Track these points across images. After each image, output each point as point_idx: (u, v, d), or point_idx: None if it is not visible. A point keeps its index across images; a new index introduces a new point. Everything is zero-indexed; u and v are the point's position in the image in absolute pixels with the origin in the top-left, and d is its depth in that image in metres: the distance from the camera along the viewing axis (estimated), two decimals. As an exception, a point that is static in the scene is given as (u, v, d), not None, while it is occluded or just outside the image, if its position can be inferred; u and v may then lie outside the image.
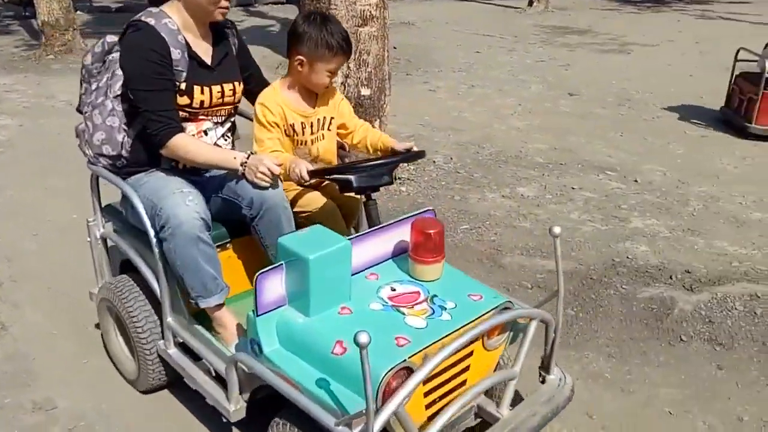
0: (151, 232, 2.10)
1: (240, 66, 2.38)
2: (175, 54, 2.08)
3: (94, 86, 2.25)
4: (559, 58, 9.42)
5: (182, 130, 2.11)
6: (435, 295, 1.86)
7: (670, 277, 3.41)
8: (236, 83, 2.31)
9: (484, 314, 1.80)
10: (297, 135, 2.31)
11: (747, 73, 6.12)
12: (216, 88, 2.22)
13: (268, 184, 2.08)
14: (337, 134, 2.48)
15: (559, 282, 1.89)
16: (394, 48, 8.80)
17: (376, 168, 2.10)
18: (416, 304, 1.82)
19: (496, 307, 1.84)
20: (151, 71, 2.04)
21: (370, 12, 4.47)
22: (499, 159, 5.25)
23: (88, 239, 2.58)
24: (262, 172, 2.06)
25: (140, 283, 2.35)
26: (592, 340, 2.92)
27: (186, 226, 2.00)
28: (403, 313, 1.77)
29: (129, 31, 2.10)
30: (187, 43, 2.14)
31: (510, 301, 1.89)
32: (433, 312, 1.79)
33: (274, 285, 1.74)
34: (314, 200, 2.33)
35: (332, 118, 2.41)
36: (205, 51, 2.22)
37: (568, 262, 3.56)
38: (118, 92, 2.17)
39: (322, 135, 2.38)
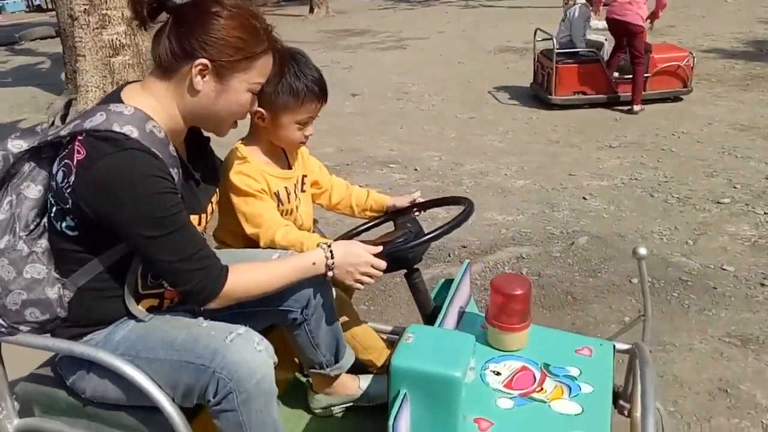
0: (178, 418, 1.41)
1: None
2: (174, 175, 1.41)
3: None
4: (342, 61, 9.73)
5: (225, 266, 1.46)
6: (548, 365, 1.57)
7: (449, 255, 3.67)
8: (217, 191, 1.70)
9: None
10: (282, 205, 1.84)
11: (547, 50, 6.78)
12: (208, 210, 1.63)
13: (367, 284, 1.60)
14: (311, 195, 2.04)
15: (646, 306, 1.67)
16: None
17: (430, 236, 1.69)
18: (541, 384, 1.51)
19: (614, 354, 1.63)
20: (164, 206, 1.35)
21: (120, 40, 4.28)
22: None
23: None
24: (365, 273, 1.58)
25: None
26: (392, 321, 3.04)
27: (265, 382, 1.42)
28: (545, 401, 1.45)
29: (100, 151, 1.32)
30: (179, 157, 1.47)
31: (613, 344, 1.67)
32: (571, 388, 1.49)
33: (404, 427, 1.29)
34: None
35: (305, 175, 1.96)
36: (188, 158, 1.57)
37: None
38: (32, 225, 1.45)
39: (300, 198, 1.92)
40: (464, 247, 3.75)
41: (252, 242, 1.81)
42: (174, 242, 1.37)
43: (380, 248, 1.63)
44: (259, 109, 1.71)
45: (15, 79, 9.65)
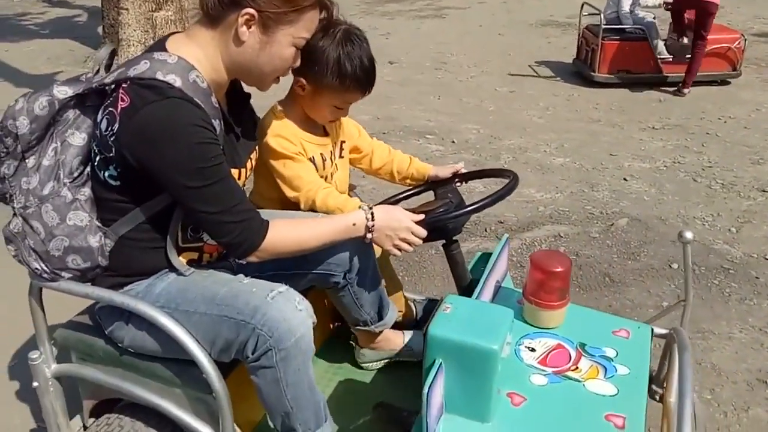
0: (214, 372, 1.41)
1: None
2: (216, 126, 1.39)
3: (31, 164, 1.44)
4: (380, 27, 9.58)
5: (265, 220, 1.45)
6: (584, 344, 1.55)
7: (485, 230, 3.63)
8: (257, 146, 1.68)
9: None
10: (318, 170, 1.80)
11: (593, 25, 6.60)
12: (248, 165, 1.61)
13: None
14: (350, 160, 2.00)
15: (687, 291, 1.64)
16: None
17: (472, 207, 1.66)
18: (576, 363, 1.49)
19: (652, 338, 1.61)
20: (206, 156, 1.33)
21: (164, -5, 4.26)
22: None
23: (35, 384, 1.72)
24: (404, 240, 1.56)
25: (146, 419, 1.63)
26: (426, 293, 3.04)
27: (304, 341, 1.42)
28: (579, 381, 1.44)
29: (144, 99, 1.31)
30: (221, 109, 1.45)
31: (651, 327, 1.64)
32: (606, 369, 1.47)
33: (438, 395, 1.29)
34: None
35: (343, 141, 1.93)
36: (228, 111, 1.55)
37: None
38: (76, 173, 1.46)
39: (336, 165, 1.89)
40: (501, 222, 3.71)
41: (288, 206, 1.81)
42: (215, 193, 1.36)
43: (422, 216, 1.61)
44: (302, 79, 1.68)
45: (52, 31, 9.68)
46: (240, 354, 1.43)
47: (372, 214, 1.53)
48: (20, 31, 9.53)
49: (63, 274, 1.48)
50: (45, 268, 1.46)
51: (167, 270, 1.51)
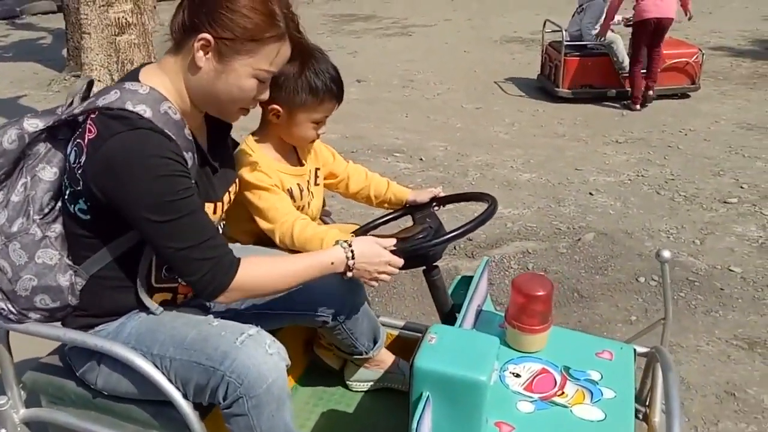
0: (192, 413, 1.38)
1: None
2: (188, 159, 1.35)
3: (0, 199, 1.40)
4: (347, 46, 9.63)
5: (237, 258, 1.37)
6: (568, 368, 1.53)
7: (454, 248, 3.64)
8: (236, 180, 1.64)
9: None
10: (295, 201, 1.79)
11: (555, 42, 6.72)
12: (225, 199, 1.55)
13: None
14: (326, 185, 2.00)
15: (667, 309, 1.63)
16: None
17: (452, 234, 1.63)
18: (562, 387, 1.47)
19: (635, 359, 1.60)
20: (174, 189, 1.28)
21: (126, 19, 4.22)
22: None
23: (2, 431, 1.64)
24: (383, 272, 1.51)
25: None
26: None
27: (276, 386, 1.36)
28: (566, 406, 1.42)
29: (110, 129, 1.27)
30: (195, 141, 1.41)
31: (633, 347, 1.63)
32: (592, 393, 1.45)
33: (426, 429, 1.26)
34: None
35: (317, 169, 1.93)
36: (204, 144, 1.50)
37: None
38: (47, 209, 1.40)
39: (312, 193, 1.89)
40: (470, 240, 3.72)
41: (264, 240, 1.78)
42: (183, 228, 1.30)
43: (394, 241, 1.60)
44: (275, 105, 1.67)
45: (16, 54, 9.52)
46: (213, 399, 1.38)
47: (352, 251, 1.47)
48: (-20, 55, 9.35)
49: (30, 314, 1.42)
50: (11, 308, 1.40)
51: (138, 310, 1.46)
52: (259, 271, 1.39)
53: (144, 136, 1.26)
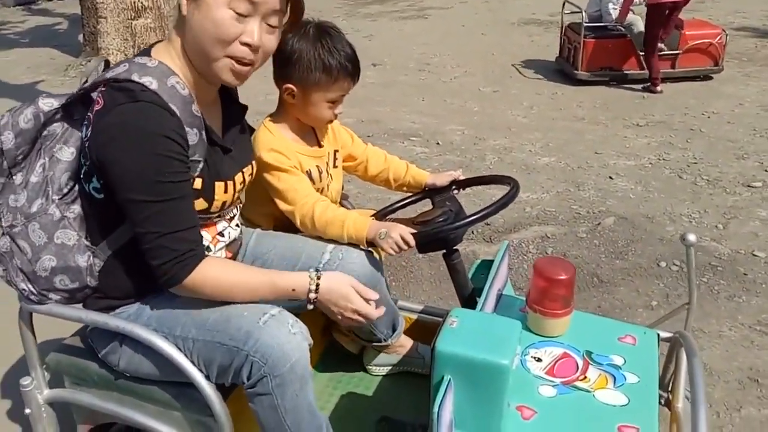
0: (214, 394, 1.39)
1: None
2: (191, 136, 1.32)
3: (19, 181, 1.41)
4: (362, 29, 9.55)
5: (205, 256, 1.36)
6: (590, 352, 1.51)
7: (472, 232, 3.61)
8: (253, 162, 1.63)
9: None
10: (314, 184, 1.76)
11: (574, 23, 6.61)
12: (238, 179, 1.51)
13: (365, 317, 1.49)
14: (344, 168, 1.99)
15: (691, 294, 1.61)
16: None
17: (473, 218, 1.63)
18: (584, 372, 1.45)
19: (659, 344, 1.58)
20: (163, 170, 1.26)
21: (142, 3, 4.20)
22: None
23: (27, 411, 1.67)
24: (349, 319, 1.46)
25: None
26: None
27: (300, 365, 1.35)
28: (589, 391, 1.40)
29: (115, 101, 1.26)
30: (203, 118, 1.38)
31: (657, 332, 1.61)
32: (615, 378, 1.44)
33: (448, 413, 1.24)
34: None
35: (336, 151, 1.91)
36: (217, 124, 1.49)
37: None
38: (66, 189, 1.41)
39: (331, 175, 1.87)
40: (487, 224, 3.69)
41: (282, 222, 1.77)
42: (161, 213, 1.28)
43: (414, 231, 1.59)
44: (290, 84, 1.66)
45: (32, 40, 9.56)
46: (236, 379, 1.38)
47: (317, 285, 1.41)
48: (-2, 41, 9.41)
49: (51, 295, 1.44)
50: (32, 289, 1.42)
51: (157, 292, 1.45)
52: (216, 275, 1.36)
53: (146, 109, 1.25)
